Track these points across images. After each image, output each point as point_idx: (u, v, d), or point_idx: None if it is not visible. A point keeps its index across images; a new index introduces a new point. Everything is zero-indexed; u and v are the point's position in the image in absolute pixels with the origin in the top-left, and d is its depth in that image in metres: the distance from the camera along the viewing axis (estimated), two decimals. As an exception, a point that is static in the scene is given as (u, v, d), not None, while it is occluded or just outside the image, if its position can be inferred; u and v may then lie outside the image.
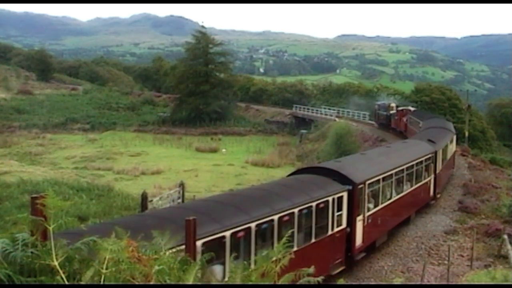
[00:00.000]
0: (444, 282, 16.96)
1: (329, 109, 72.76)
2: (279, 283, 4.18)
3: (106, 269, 3.62)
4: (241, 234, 12.17)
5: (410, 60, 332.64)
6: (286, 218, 14.13)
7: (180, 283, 3.83)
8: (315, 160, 50.63)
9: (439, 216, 26.16)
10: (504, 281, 14.21)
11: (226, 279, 10.37)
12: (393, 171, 21.36)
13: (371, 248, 19.78)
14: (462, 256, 20.60)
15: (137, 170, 46.73)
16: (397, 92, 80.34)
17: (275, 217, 13.65)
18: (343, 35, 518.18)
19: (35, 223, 4.01)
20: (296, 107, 77.61)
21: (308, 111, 75.29)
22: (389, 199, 21.12)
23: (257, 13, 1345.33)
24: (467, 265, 19.27)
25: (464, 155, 43.00)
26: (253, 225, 12.55)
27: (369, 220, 18.91)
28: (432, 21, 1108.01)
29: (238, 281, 4.09)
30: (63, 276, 3.64)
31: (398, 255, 20.89)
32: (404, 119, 49.60)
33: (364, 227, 18.51)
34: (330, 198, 16.36)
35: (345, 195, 17.06)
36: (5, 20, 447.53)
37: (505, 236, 20.16)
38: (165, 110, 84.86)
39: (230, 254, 11.00)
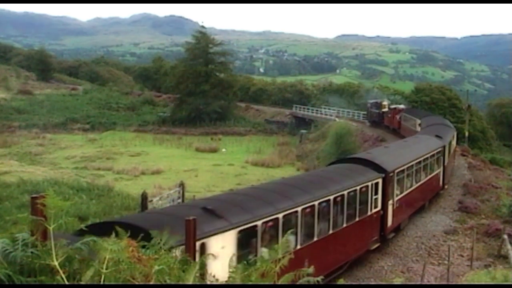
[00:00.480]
0: (444, 282, 16.96)
1: (329, 109, 72.80)
2: (279, 283, 4.18)
3: (106, 269, 3.62)
4: (308, 210, 15.22)
5: (410, 60, 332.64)
6: (339, 198, 16.91)
7: (180, 283, 3.84)
8: (315, 160, 50.65)
9: (439, 216, 26.18)
10: (504, 281, 14.20)
11: (294, 246, 12.84)
12: (413, 162, 24.02)
13: (397, 230, 22.38)
14: (462, 256, 20.61)
15: (137, 170, 46.72)
16: (397, 92, 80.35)
17: (331, 197, 16.46)
18: (343, 35, 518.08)
19: (35, 223, 4.01)
20: (296, 107, 77.63)
21: (308, 111, 75.30)
22: (411, 186, 23.84)
23: (257, 13, 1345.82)
24: (467, 265, 19.27)
25: (464, 155, 43.01)
26: (316, 203, 15.60)
27: (397, 204, 21.63)
28: (432, 21, 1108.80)
29: (238, 281, 4.09)
30: (63, 276, 3.64)
31: (398, 255, 20.90)
32: (397, 116, 51.23)
33: (393, 210, 21.18)
34: (369, 184, 19.02)
35: (380, 181, 19.79)
36: (5, 20, 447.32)
37: (505, 236, 20.17)
38: (165, 110, 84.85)
39: (301, 227, 14.72)
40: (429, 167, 26.57)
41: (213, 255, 6.48)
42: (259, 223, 12.84)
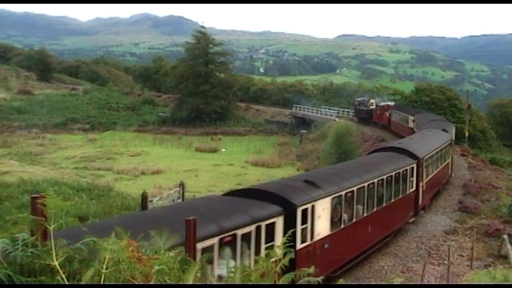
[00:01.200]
0: (444, 282, 16.97)
1: (329, 109, 72.87)
2: (279, 283, 4.18)
3: (106, 269, 3.62)
4: (371, 186, 19.28)
5: (410, 60, 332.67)
6: (389, 178, 20.94)
7: (180, 283, 3.84)
8: (315, 160, 50.66)
9: (439, 216, 26.19)
10: (504, 281, 14.20)
11: (362, 213, 18.14)
12: (434, 152, 27.05)
13: (424, 208, 26.05)
14: (462, 256, 20.61)
15: (137, 170, 46.73)
16: (397, 92, 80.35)
17: (384, 177, 20.42)
18: (343, 35, 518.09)
19: (35, 223, 4.01)
20: (296, 107, 77.61)
21: (308, 111, 75.29)
22: (432, 172, 26.98)
23: (257, 13, 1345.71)
24: (467, 265, 19.28)
25: (464, 155, 43.01)
26: (375, 180, 19.70)
27: (425, 186, 25.16)
28: (432, 21, 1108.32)
29: (237, 281, 4.09)
30: (63, 276, 3.64)
31: (398, 255, 20.90)
32: (387, 113, 54.20)
33: (422, 191, 24.85)
34: (408, 167, 22.99)
35: (414, 166, 23.69)
36: (5, 20, 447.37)
37: (505, 236, 20.18)
38: (165, 110, 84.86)
39: (366, 198, 18.84)
40: (444, 156, 29.86)
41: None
42: (342, 193, 17.13)
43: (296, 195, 14.92)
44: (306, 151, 57.75)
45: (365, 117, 60.20)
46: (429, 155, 26.31)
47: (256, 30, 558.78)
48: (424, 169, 25.13)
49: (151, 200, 26.80)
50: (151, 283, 3.71)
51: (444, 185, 31.25)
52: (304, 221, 14.81)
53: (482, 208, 27.08)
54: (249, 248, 12.58)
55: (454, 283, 16.78)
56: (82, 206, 28.83)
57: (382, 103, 58.05)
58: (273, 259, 4.23)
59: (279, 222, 13.71)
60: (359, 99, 66.28)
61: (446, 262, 18.89)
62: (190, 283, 3.83)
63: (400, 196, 22.13)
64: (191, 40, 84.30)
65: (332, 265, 16.54)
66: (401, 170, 22.12)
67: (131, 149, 59.63)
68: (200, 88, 76.32)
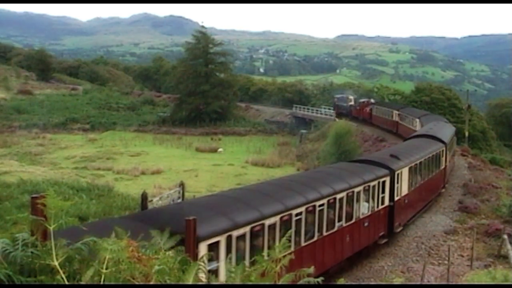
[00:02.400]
0: (444, 282, 16.96)
1: (329, 109, 72.87)
2: (279, 283, 4.18)
3: (106, 269, 3.62)
4: (417, 164, 25.24)
5: (410, 60, 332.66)
6: (428, 159, 26.81)
7: (180, 283, 3.84)
8: (315, 160, 50.65)
9: (439, 216, 26.20)
10: (504, 281, 14.20)
11: (408, 190, 23.38)
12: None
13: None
14: (462, 256, 20.61)
15: (137, 170, 46.70)
16: (397, 92, 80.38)
17: (422, 160, 25.93)
18: (343, 35, 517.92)
19: (35, 223, 4.01)
20: (296, 107, 77.60)
21: (308, 111, 75.28)
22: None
23: (257, 13, 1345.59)
24: (467, 265, 19.28)
25: (464, 155, 43.02)
26: (418, 161, 25.29)
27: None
28: (432, 21, 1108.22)
29: (237, 281, 4.09)
30: (63, 276, 3.64)
31: (398, 255, 20.91)
32: (367, 109, 59.63)
33: (445, 172, 30.65)
34: (440, 151, 29.11)
35: (444, 149, 29.91)
36: (5, 20, 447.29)
37: (505, 236, 20.18)
38: (165, 110, 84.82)
39: (415, 173, 24.79)
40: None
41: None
42: (417, 162, 24.82)
43: (391, 163, 22.05)
44: (306, 151, 57.74)
45: (344, 112, 65.03)
46: (448, 142, 28.55)
47: (256, 30, 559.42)
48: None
49: (151, 200, 26.76)
50: (151, 283, 3.71)
51: (437, 196, 29.63)
52: (398, 182, 21.98)
53: (482, 208, 27.08)
54: (376, 193, 20.32)
55: (454, 283, 16.78)
56: (82, 206, 28.81)
57: (362, 100, 64.07)
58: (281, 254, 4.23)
59: (388, 180, 21.20)
60: (338, 96, 71.06)
61: (446, 262, 18.89)
62: (190, 283, 3.83)
63: (434, 174, 26.52)
64: (191, 40, 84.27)
65: (408, 215, 24.26)
66: (435, 153, 26.67)
67: (131, 149, 59.60)
68: (200, 88, 76.29)
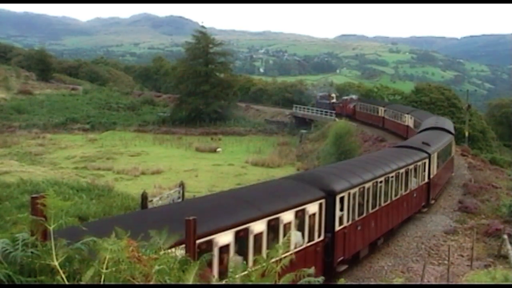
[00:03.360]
0: (444, 282, 16.96)
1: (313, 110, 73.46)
2: (279, 283, 4.18)
3: (106, 269, 3.62)
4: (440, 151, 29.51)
5: (410, 60, 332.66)
6: (442, 150, 30.38)
7: (180, 283, 3.84)
8: (315, 160, 50.65)
9: (439, 216, 26.19)
10: (504, 281, 14.20)
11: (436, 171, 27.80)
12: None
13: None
14: (462, 256, 20.61)
15: (137, 170, 46.68)
16: (397, 92, 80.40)
17: (435, 154, 28.56)
18: (343, 35, 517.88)
19: (35, 223, 4.01)
20: (296, 107, 77.58)
21: (308, 111, 75.27)
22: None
23: (257, 13, 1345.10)
24: (467, 265, 19.28)
25: (464, 155, 43.03)
26: (439, 150, 29.40)
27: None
28: (432, 21, 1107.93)
29: (238, 281, 4.09)
30: (63, 276, 3.64)
31: (398, 255, 20.90)
32: (350, 105, 64.09)
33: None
34: (452, 141, 34.62)
35: (453, 139, 35.75)
36: (5, 20, 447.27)
37: (505, 236, 20.18)
38: (165, 110, 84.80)
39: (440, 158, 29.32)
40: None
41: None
42: (441, 148, 29.66)
43: (427, 149, 27.25)
44: (306, 151, 57.73)
45: (327, 109, 68.83)
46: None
47: (256, 30, 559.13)
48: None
49: (151, 200, 26.80)
50: (151, 283, 3.71)
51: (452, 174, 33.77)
52: (432, 163, 27.10)
53: (482, 208, 27.09)
54: (421, 172, 25.70)
55: (454, 283, 16.78)
56: (82, 206, 28.79)
57: (345, 97, 68.85)
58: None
59: (427, 161, 26.46)
60: (320, 94, 76.17)
61: (446, 262, 18.89)
62: (190, 283, 3.83)
63: (450, 156, 31.55)
64: (191, 40, 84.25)
65: (437, 190, 29.26)
66: (449, 143, 30.72)
67: (131, 149, 59.59)
68: (200, 88, 76.26)
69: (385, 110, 55.38)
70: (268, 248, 12.73)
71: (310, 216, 15.52)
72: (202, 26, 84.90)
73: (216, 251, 11.35)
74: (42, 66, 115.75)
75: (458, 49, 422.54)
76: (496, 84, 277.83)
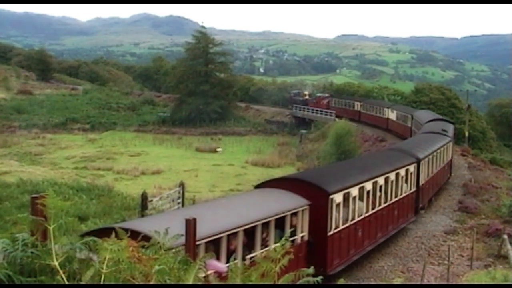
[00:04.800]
0: (444, 282, 16.97)
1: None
2: (279, 283, 4.18)
3: (106, 269, 3.62)
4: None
5: (410, 60, 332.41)
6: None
7: (180, 283, 3.84)
8: (315, 160, 50.66)
9: (439, 216, 26.19)
10: (504, 281, 14.21)
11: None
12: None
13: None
14: (462, 256, 20.62)
15: (137, 170, 46.70)
16: (397, 92, 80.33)
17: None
18: (343, 35, 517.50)
19: (35, 223, 4.01)
20: (296, 107, 77.54)
21: (308, 111, 75.24)
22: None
23: (257, 13, 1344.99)
24: (467, 265, 19.28)
25: (464, 155, 43.03)
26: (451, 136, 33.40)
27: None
28: (432, 21, 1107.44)
29: (238, 281, 4.09)
30: (63, 276, 3.64)
31: (398, 255, 20.90)
32: (324, 101, 69.94)
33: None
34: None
35: (450, 145, 33.38)
36: (5, 20, 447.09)
37: (505, 236, 20.18)
38: (165, 110, 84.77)
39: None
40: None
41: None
42: (451, 135, 33.68)
43: (448, 134, 32.83)
44: (306, 151, 57.75)
45: (300, 105, 74.43)
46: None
47: (256, 30, 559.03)
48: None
49: (151, 200, 26.75)
50: (151, 283, 3.71)
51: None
52: (448, 152, 30.78)
53: (482, 208, 27.08)
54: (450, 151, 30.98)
55: (454, 283, 16.79)
56: (82, 206, 28.80)
57: (319, 94, 75.17)
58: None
59: (450, 145, 31.86)
60: (294, 91, 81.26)
61: (446, 262, 18.89)
62: (190, 283, 3.84)
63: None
64: (191, 40, 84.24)
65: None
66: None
67: (131, 149, 59.60)
68: (200, 88, 76.26)
69: (361, 105, 61.49)
70: (381, 197, 19.98)
71: (410, 174, 22.88)
72: (202, 26, 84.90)
73: (351, 199, 17.44)
74: (42, 66, 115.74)
75: (458, 49, 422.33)
76: (496, 84, 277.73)
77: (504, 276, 14.83)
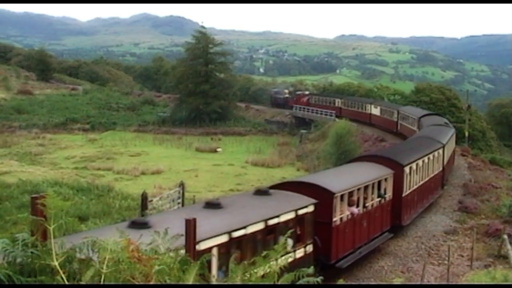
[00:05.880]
0: (444, 282, 16.97)
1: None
2: (279, 283, 4.18)
3: (106, 269, 3.62)
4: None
5: (410, 60, 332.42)
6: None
7: (180, 283, 3.84)
8: (315, 160, 50.66)
9: (439, 216, 26.19)
10: (504, 281, 14.20)
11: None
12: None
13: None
14: (462, 256, 20.61)
15: (137, 170, 46.65)
16: (397, 92, 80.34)
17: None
18: (343, 35, 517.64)
19: (35, 223, 4.01)
20: (296, 107, 77.52)
21: (308, 111, 75.20)
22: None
23: (257, 13, 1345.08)
24: (467, 265, 19.28)
25: (464, 155, 43.03)
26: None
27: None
28: (432, 21, 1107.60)
29: (238, 281, 4.09)
30: (63, 276, 3.64)
31: (398, 255, 20.90)
32: (304, 99, 74.20)
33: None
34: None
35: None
36: (5, 20, 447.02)
37: (505, 236, 20.18)
38: (165, 110, 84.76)
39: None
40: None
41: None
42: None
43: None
44: (306, 151, 57.72)
45: (280, 103, 79.47)
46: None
47: (256, 30, 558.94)
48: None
49: (151, 200, 26.75)
50: (151, 283, 3.71)
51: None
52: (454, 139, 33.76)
53: (482, 208, 27.07)
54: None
55: (454, 283, 16.78)
56: (82, 206, 28.79)
57: (298, 92, 79.08)
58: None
59: (454, 135, 35.19)
60: (274, 89, 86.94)
61: (446, 262, 18.90)
62: (190, 283, 3.84)
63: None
64: (191, 40, 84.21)
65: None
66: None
67: (131, 149, 59.57)
68: (200, 88, 76.23)
69: (342, 102, 65.56)
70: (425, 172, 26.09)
71: (439, 156, 28.12)
72: (202, 26, 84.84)
73: (413, 172, 23.84)
74: (42, 66, 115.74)
75: (458, 49, 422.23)
76: (496, 84, 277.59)
77: (504, 276, 14.82)
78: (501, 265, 18.63)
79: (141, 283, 3.66)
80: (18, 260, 3.73)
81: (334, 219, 17.17)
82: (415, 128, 42.58)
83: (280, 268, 4.21)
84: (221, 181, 43.65)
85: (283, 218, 14.58)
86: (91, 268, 3.67)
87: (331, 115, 63.82)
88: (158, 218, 13.21)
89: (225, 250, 12.10)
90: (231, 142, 64.39)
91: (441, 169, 29.16)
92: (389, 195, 21.33)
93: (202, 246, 10.72)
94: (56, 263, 3.68)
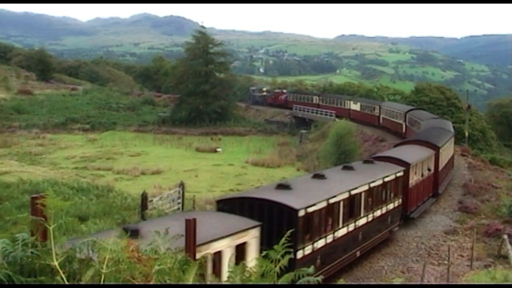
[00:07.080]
0: (444, 282, 16.97)
1: None
2: (279, 283, 4.18)
3: (106, 269, 3.62)
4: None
5: (410, 60, 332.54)
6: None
7: (180, 283, 3.84)
8: (315, 160, 50.66)
9: (439, 216, 26.19)
10: (504, 281, 14.21)
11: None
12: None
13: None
14: (462, 256, 20.61)
15: (137, 170, 46.66)
16: (397, 92, 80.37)
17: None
18: (343, 35, 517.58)
19: (35, 223, 4.01)
20: (296, 107, 77.51)
21: (308, 111, 75.18)
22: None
23: (257, 13, 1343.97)
24: (467, 265, 19.28)
25: (464, 155, 43.03)
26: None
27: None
28: (432, 21, 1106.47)
29: (237, 281, 4.09)
30: (63, 276, 3.64)
31: (398, 255, 20.90)
32: (282, 97, 79.05)
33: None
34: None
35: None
36: (5, 20, 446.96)
37: (505, 236, 20.17)
38: (165, 110, 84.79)
39: None
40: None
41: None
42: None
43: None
44: (306, 151, 57.72)
45: (259, 100, 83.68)
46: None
47: (256, 30, 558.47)
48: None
49: (151, 200, 26.77)
50: (151, 283, 3.71)
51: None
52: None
53: (482, 208, 27.08)
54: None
55: (454, 283, 16.78)
56: (82, 206, 28.74)
57: (276, 90, 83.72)
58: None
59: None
60: (253, 87, 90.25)
61: (446, 262, 18.90)
62: (190, 283, 3.84)
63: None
64: (191, 40, 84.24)
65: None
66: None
67: (131, 149, 59.57)
68: (200, 88, 76.25)
69: (320, 98, 70.08)
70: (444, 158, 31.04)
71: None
72: (202, 26, 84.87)
73: (442, 155, 30.00)
74: (42, 66, 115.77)
75: (458, 49, 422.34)
76: (496, 84, 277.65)
77: (504, 276, 14.82)
78: (501, 265, 18.63)
79: (141, 283, 3.66)
80: (18, 260, 3.73)
81: (410, 182, 24.09)
82: (401, 122, 48.13)
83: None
84: (221, 181, 43.65)
85: (387, 179, 21.37)
86: (91, 268, 3.67)
87: (330, 115, 64.13)
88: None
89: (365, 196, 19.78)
90: (231, 142, 64.39)
91: (452, 153, 35.96)
92: (432, 169, 27.96)
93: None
94: (56, 263, 3.68)
